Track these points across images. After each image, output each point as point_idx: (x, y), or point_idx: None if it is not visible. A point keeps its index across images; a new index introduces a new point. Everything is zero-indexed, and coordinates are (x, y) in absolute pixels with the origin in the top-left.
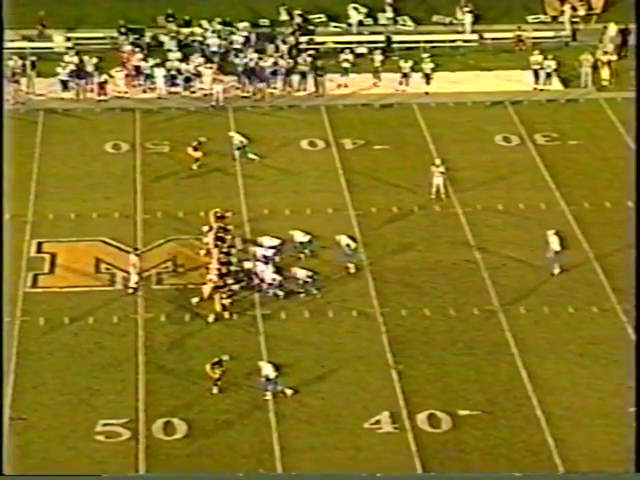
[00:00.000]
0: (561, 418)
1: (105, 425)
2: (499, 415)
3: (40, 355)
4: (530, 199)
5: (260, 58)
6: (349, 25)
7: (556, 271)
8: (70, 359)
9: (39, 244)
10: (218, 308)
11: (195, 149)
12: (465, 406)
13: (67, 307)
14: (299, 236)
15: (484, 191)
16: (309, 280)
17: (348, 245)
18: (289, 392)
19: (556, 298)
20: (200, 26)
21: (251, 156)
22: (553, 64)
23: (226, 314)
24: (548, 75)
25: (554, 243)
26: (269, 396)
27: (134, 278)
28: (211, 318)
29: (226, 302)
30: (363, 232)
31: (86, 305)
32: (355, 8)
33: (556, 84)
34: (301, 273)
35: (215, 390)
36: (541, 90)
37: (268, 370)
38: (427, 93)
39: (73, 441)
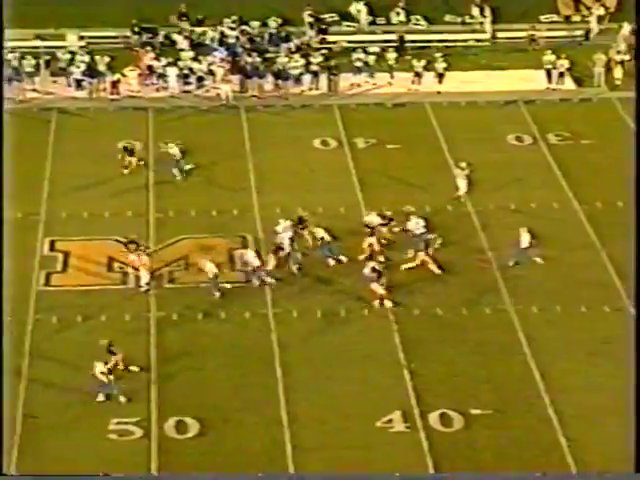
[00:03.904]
0: (573, 417)
1: (118, 423)
2: (511, 414)
3: (52, 353)
4: (542, 198)
5: (273, 57)
6: (357, 22)
7: (510, 263)
8: (81, 357)
9: (52, 242)
10: (380, 295)
11: (131, 154)
12: (477, 405)
13: (80, 305)
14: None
15: (496, 190)
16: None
17: (322, 238)
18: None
19: (568, 297)
20: (213, 25)
21: (187, 167)
22: (566, 63)
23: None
24: (561, 74)
25: (524, 240)
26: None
27: (145, 277)
28: (377, 304)
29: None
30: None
31: (98, 303)
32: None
33: (569, 83)
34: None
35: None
36: (554, 89)
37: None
38: (439, 92)
39: (86, 440)
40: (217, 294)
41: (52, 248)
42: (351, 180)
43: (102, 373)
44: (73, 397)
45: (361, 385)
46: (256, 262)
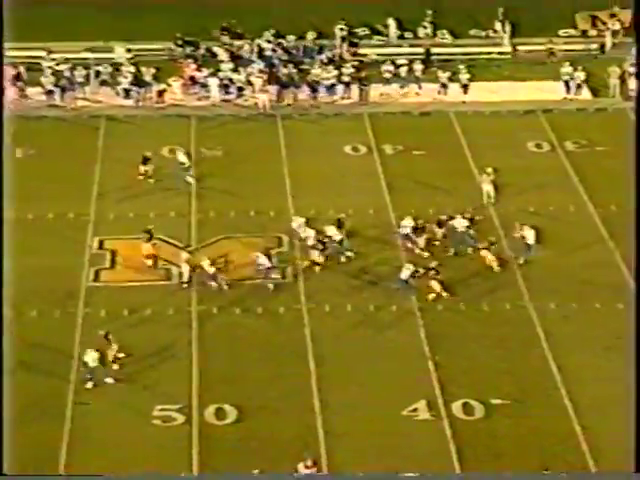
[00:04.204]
0: (588, 408)
1: (161, 410)
2: (529, 404)
3: (101, 344)
4: (560, 202)
5: (307, 69)
6: (386, 36)
7: (521, 261)
8: (128, 349)
9: (101, 241)
10: (437, 290)
11: (144, 162)
12: (497, 395)
13: (126, 300)
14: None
15: (516, 194)
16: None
17: (330, 237)
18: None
19: (583, 295)
20: (252, 38)
21: (188, 179)
22: (583, 75)
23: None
24: (578, 86)
25: (529, 238)
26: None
27: (187, 273)
28: (431, 297)
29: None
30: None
31: (143, 298)
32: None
33: (586, 94)
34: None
35: (116, 366)
36: (571, 100)
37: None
38: (464, 102)
39: (132, 425)
40: (272, 284)
41: (101, 246)
42: (379, 184)
43: (93, 361)
44: (120, 385)
45: (389, 376)
46: (267, 264)
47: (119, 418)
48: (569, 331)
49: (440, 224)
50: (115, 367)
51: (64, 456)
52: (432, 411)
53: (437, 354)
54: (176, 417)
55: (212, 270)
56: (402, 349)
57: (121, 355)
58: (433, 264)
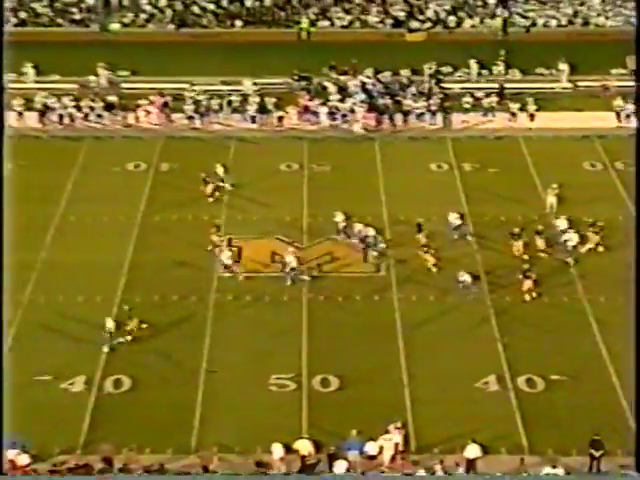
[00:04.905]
0: (633, 385)
1: (277, 378)
2: (583, 380)
3: (229, 324)
4: (610, 212)
5: (401, 100)
6: (468, 72)
7: (569, 260)
8: (251, 328)
9: (229, 240)
10: (526, 288)
11: (205, 183)
12: (556, 372)
13: (249, 288)
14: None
15: (574, 206)
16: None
17: (367, 236)
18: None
19: (628, 291)
20: (355, 74)
21: (227, 187)
22: (632, 107)
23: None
24: (627, 115)
25: (562, 224)
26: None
27: (293, 264)
28: (527, 297)
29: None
30: (477, 234)
31: (263, 287)
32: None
33: (633, 123)
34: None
35: (129, 338)
36: (622, 127)
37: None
38: (530, 128)
39: (252, 390)
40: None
41: (230, 244)
42: (459, 195)
43: (109, 328)
44: (244, 357)
45: (465, 354)
46: (294, 263)
47: (243, 385)
48: (616, 320)
49: (539, 233)
50: (129, 338)
51: (199, 413)
52: (501, 384)
53: (505, 337)
54: (289, 384)
55: (295, 264)
56: (476, 332)
57: (144, 325)
58: (526, 266)
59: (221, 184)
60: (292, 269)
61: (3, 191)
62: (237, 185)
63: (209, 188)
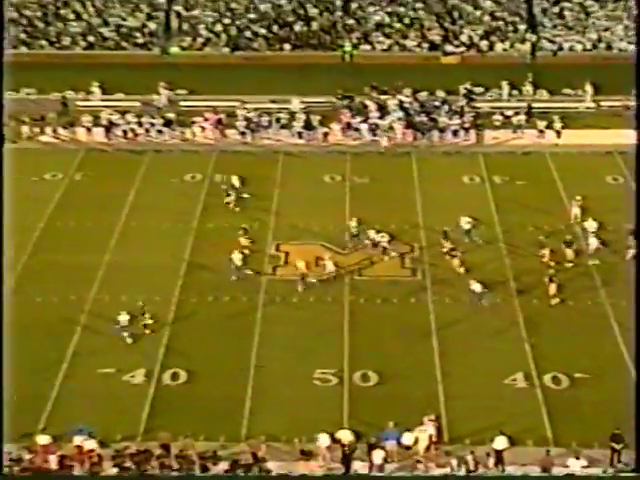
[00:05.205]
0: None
1: (321, 373)
2: (605, 379)
3: (276, 324)
4: (630, 221)
5: (436, 117)
6: (499, 93)
7: (591, 262)
8: (297, 327)
9: (277, 245)
10: (552, 293)
11: (228, 195)
12: (579, 370)
13: (295, 290)
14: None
15: (597, 215)
16: None
17: (379, 242)
18: None
19: None
20: (394, 94)
21: (244, 195)
22: None
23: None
24: None
25: (591, 227)
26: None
27: (331, 268)
28: (554, 301)
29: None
30: (506, 242)
31: (309, 288)
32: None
33: None
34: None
35: (147, 331)
36: None
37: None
38: (557, 144)
39: (297, 384)
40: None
41: (277, 249)
42: (490, 205)
43: (123, 322)
44: (290, 354)
45: (494, 353)
46: (304, 270)
47: (289, 379)
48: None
49: (568, 244)
50: (147, 332)
51: (249, 405)
52: (528, 381)
53: (532, 337)
54: (331, 379)
55: (303, 271)
56: (505, 333)
57: (150, 322)
58: (552, 271)
59: (242, 195)
60: (301, 275)
61: (3, 199)
62: (284, 197)
63: (230, 199)
